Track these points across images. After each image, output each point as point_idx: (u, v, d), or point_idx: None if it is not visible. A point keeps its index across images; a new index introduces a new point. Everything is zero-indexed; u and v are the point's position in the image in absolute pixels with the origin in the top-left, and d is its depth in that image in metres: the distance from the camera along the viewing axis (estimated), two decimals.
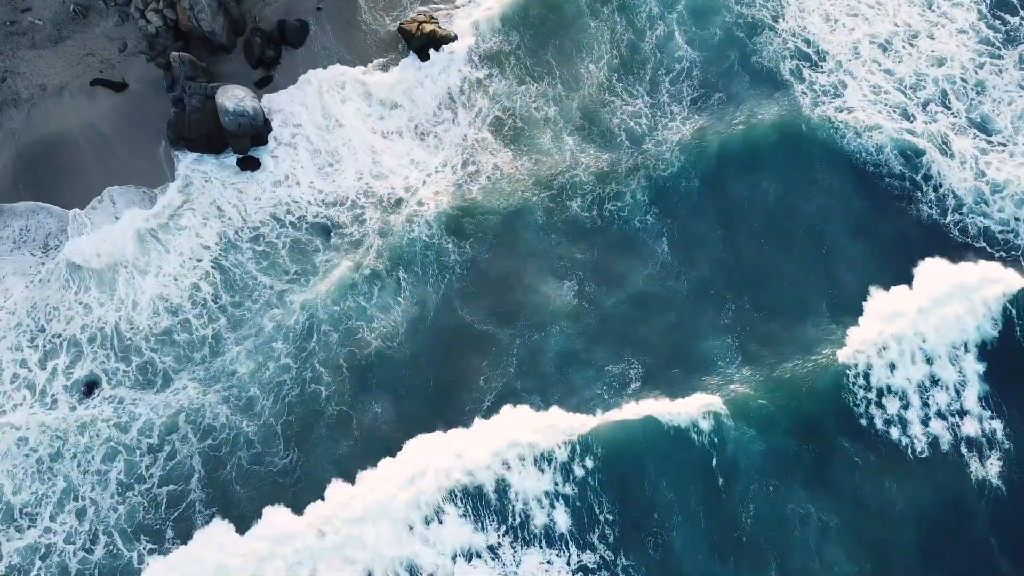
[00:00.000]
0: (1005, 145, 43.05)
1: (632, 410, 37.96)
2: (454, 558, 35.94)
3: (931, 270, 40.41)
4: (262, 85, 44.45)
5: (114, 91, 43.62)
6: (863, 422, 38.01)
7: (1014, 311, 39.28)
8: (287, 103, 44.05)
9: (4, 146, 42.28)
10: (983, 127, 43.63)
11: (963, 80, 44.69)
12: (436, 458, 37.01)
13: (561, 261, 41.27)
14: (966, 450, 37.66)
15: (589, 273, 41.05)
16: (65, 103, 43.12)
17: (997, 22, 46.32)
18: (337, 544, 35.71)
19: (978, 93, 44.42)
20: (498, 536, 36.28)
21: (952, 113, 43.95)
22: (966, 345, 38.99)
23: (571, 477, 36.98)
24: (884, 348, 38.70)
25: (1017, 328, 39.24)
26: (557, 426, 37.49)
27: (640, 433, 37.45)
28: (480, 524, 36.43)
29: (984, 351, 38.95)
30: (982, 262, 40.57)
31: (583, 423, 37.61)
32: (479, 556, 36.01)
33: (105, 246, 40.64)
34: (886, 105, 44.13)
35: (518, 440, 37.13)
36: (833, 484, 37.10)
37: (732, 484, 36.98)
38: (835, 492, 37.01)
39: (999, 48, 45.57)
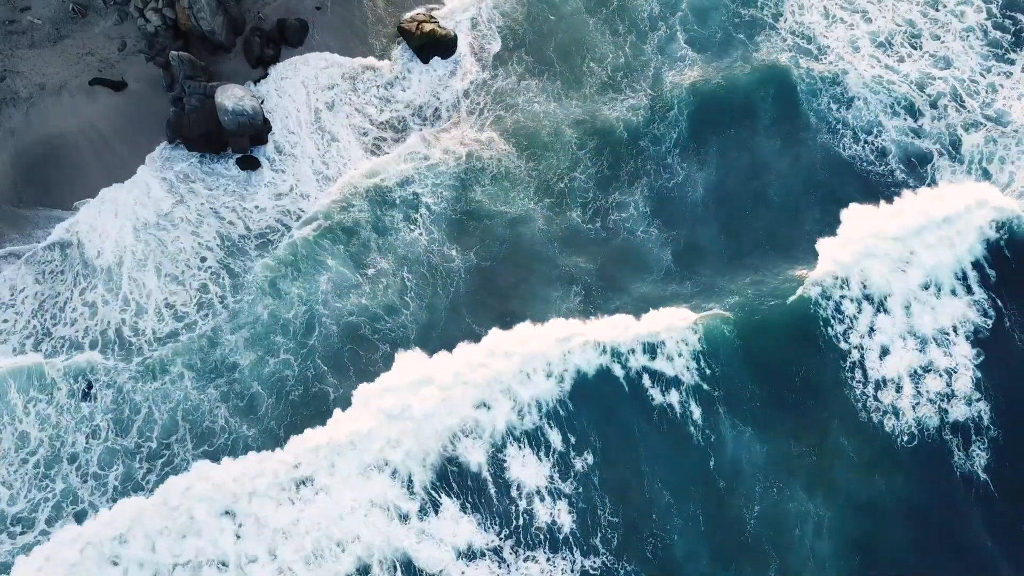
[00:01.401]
0: (1017, 132, 43.10)
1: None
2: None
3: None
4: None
5: (113, 90, 43.40)
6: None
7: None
8: (276, 97, 43.99)
9: (3, 145, 42.05)
10: (996, 120, 43.61)
11: (972, 81, 44.52)
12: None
13: (562, 267, 41.20)
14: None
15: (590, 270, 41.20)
16: (64, 102, 42.90)
17: (1007, 22, 46.18)
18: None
19: (990, 92, 44.25)
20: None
21: (966, 109, 43.94)
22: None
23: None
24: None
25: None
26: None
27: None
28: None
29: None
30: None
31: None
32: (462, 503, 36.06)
33: (102, 225, 40.93)
34: (889, 95, 44.16)
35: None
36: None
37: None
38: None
39: (1008, 51, 45.38)
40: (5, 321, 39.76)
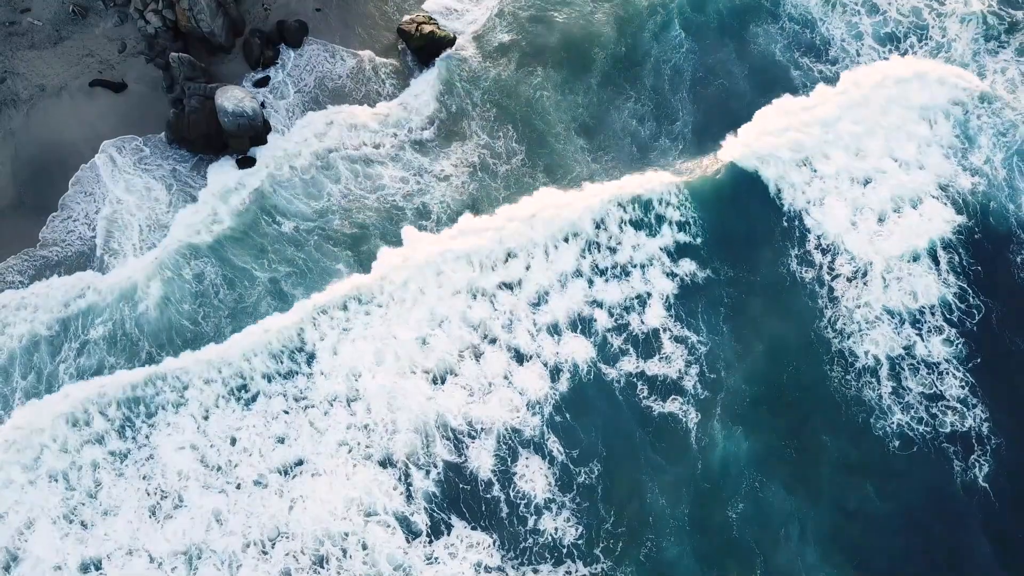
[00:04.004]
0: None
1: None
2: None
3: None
4: (260, 85, 44.38)
5: (113, 92, 43.55)
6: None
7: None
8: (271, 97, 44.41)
9: (3, 146, 42.20)
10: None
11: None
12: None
13: None
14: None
15: None
16: (64, 104, 43.05)
17: (1003, 14, 46.97)
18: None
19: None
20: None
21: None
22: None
23: None
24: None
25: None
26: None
27: None
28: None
29: None
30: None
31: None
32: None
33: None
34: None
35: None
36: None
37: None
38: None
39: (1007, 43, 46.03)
40: None
